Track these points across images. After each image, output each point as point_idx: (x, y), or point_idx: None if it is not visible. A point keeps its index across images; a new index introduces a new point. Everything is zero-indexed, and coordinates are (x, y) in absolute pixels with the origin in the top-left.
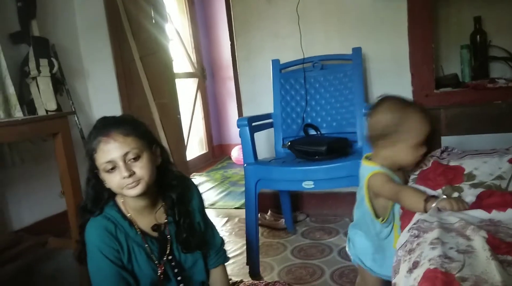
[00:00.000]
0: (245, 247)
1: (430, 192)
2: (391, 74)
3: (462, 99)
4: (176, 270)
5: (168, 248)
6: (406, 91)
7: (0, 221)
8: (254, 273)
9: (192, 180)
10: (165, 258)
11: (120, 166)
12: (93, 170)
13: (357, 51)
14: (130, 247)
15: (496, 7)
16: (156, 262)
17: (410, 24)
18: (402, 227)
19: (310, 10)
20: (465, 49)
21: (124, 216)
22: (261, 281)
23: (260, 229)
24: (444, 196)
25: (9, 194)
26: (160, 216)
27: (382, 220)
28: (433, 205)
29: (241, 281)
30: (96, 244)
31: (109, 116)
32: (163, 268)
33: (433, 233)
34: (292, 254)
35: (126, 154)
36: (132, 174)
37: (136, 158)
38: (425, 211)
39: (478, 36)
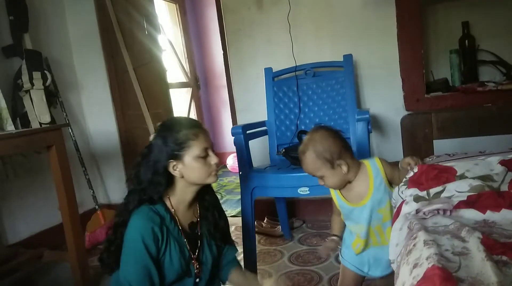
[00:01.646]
0: (242, 255)
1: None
2: (382, 79)
3: (453, 103)
4: (197, 270)
5: (199, 245)
6: (397, 96)
7: None
8: None
9: None
10: (196, 253)
11: (212, 154)
12: (168, 160)
13: (348, 58)
14: (169, 239)
15: (483, 13)
16: (193, 256)
17: (400, 30)
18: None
19: (301, 18)
20: (454, 53)
21: (167, 210)
22: None
23: (257, 237)
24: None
25: (4, 208)
26: (193, 216)
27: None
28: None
29: None
30: (141, 231)
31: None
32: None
33: (425, 234)
34: (289, 261)
35: (212, 145)
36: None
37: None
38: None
39: (466, 41)
